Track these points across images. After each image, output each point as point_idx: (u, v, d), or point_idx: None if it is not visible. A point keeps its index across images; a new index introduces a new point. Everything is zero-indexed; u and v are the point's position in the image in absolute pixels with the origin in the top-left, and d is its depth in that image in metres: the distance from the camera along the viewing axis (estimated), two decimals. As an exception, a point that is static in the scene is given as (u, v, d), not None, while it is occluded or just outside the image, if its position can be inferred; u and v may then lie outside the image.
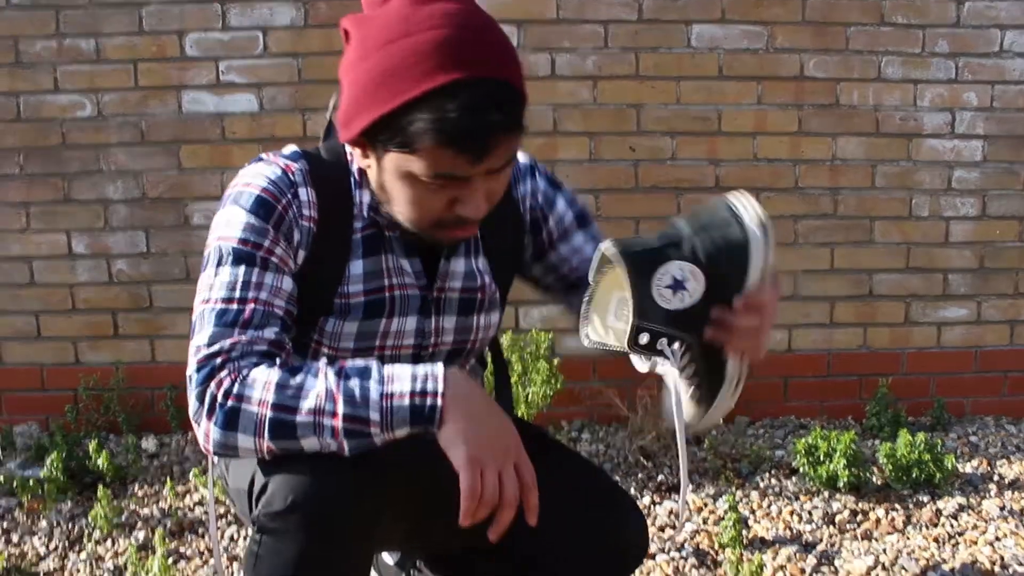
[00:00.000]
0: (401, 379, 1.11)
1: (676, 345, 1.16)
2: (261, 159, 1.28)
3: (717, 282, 1.14)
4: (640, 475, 2.62)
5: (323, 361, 1.14)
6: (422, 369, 1.13)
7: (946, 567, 2.03)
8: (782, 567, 2.04)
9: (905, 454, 2.45)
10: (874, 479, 2.49)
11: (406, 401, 1.09)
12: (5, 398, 3.05)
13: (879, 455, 2.52)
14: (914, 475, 2.45)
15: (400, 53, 1.09)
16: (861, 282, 3.07)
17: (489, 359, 1.64)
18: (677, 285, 1.14)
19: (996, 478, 2.58)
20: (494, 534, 1.12)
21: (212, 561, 2.13)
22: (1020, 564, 2.04)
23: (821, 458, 2.46)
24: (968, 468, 2.65)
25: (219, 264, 1.20)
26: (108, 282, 2.97)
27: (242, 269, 1.19)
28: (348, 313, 1.29)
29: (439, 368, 1.13)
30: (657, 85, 2.93)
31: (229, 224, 1.22)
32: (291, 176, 1.24)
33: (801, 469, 2.50)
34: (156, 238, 2.95)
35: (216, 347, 1.14)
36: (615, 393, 2.94)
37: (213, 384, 1.12)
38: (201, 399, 1.12)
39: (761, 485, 2.54)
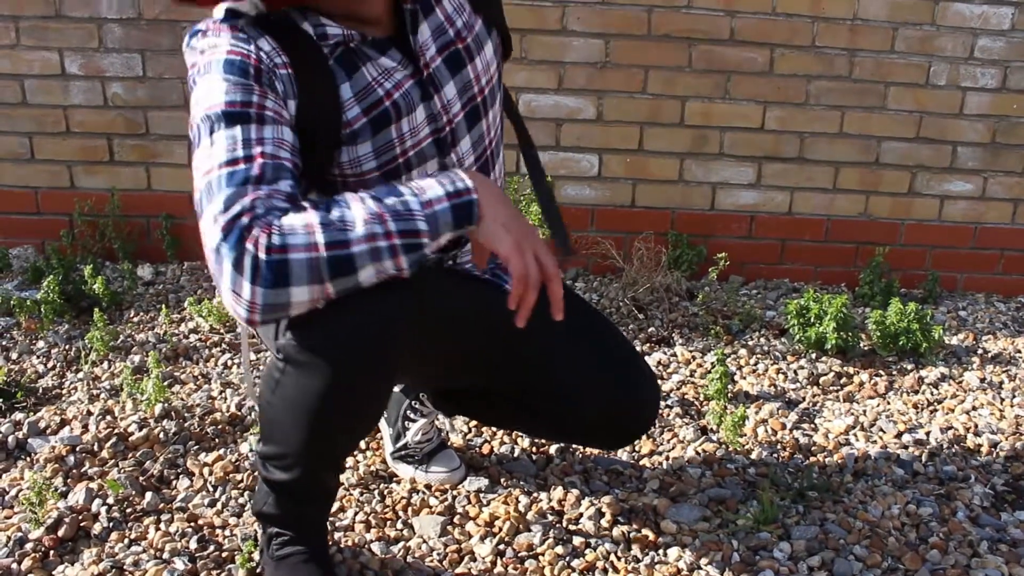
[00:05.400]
0: (431, 187, 1.11)
1: None
2: (201, 31, 1.20)
3: None
4: (631, 326, 2.65)
5: (346, 194, 1.10)
6: (444, 175, 1.13)
7: (921, 431, 2.08)
8: (764, 421, 2.09)
9: (894, 322, 2.48)
10: (861, 345, 2.52)
11: (446, 203, 1.10)
12: (0, 220, 3.03)
13: (869, 322, 2.55)
14: (901, 343, 2.48)
15: None
16: (869, 148, 3.02)
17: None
18: None
19: (980, 352, 2.61)
20: (558, 311, 1.17)
21: (242, 378, 2.17)
22: (992, 432, 2.09)
23: (811, 320, 2.49)
24: (954, 340, 2.69)
25: (212, 132, 1.12)
26: (103, 105, 2.90)
27: (238, 128, 1.12)
28: (357, 137, 1.27)
29: (457, 170, 1.15)
30: (679, -72, 2.80)
31: (210, 93, 1.14)
32: (242, 33, 1.18)
33: (791, 330, 2.53)
34: (152, 62, 2.86)
35: (236, 208, 1.06)
36: (612, 244, 2.94)
37: (249, 244, 1.03)
38: (239, 265, 1.03)
39: (750, 343, 2.58)
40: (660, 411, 2.11)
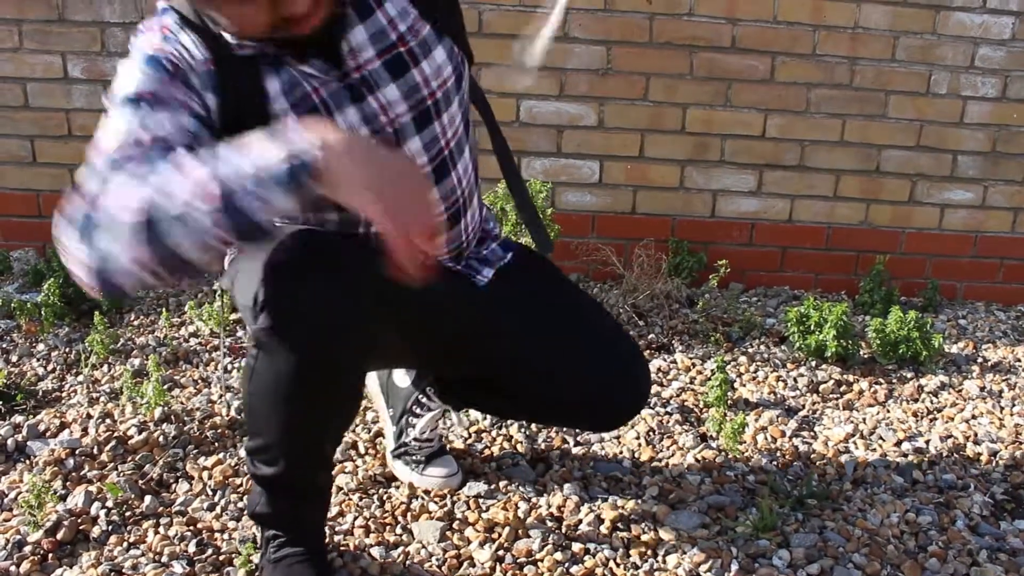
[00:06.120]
0: (270, 149, 1.03)
1: None
2: (142, 29, 1.23)
3: None
4: (631, 332, 2.64)
5: (183, 159, 1.06)
6: (294, 132, 1.05)
7: (921, 440, 2.08)
8: (763, 428, 2.09)
9: (894, 330, 2.48)
10: (861, 352, 2.52)
11: (281, 167, 1.02)
12: (1, 223, 3.03)
13: (868, 330, 2.55)
14: (901, 351, 2.48)
15: None
16: (869, 157, 3.02)
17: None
18: None
19: (980, 360, 2.61)
20: (424, 273, 1.08)
21: (217, 375, 2.17)
22: (992, 441, 2.09)
23: (811, 328, 2.49)
24: (954, 349, 2.69)
25: (109, 116, 1.14)
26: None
27: (131, 112, 1.12)
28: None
29: (313, 124, 1.06)
30: (680, -64, 2.81)
31: (121, 81, 1.17)
32: (168, 30, 1.20)
33: (791, 338, 2.53)
34: (154, 66, 2.86)
35: (85, 188, 1.07)
36: (612, 250, 2.95)
37: (76, 214, 1.05)
38: (69, 237, 1.05)
39: (750, 351, 2.58)
40: (656, 414, 2.11)
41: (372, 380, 1.89)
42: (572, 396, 1.49)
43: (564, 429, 2.02)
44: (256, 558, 1.50)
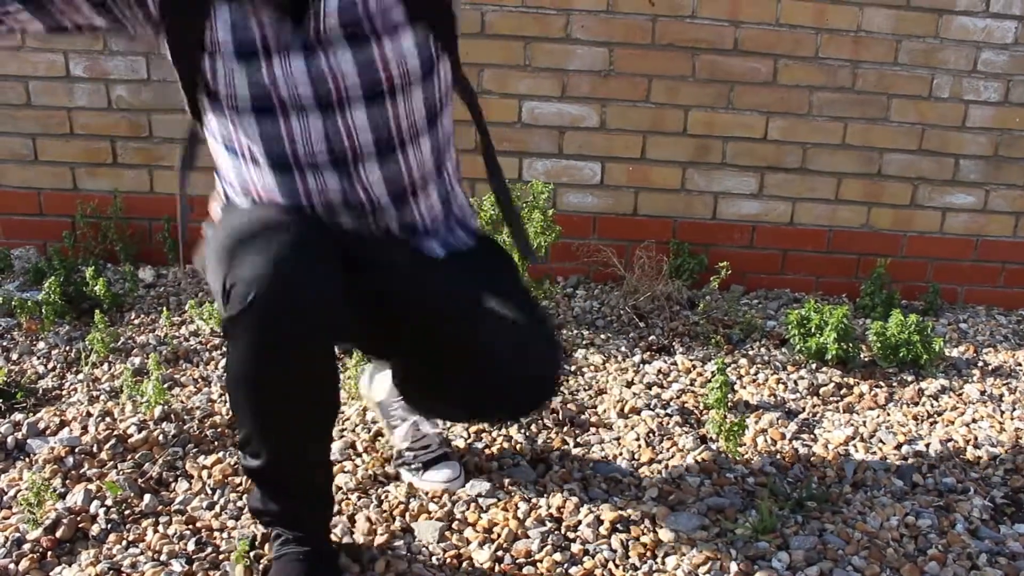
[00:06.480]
0: None
1: None
2: None
3: None
4: (632, 334, 2.65)
5: None
6: None
7: (921, 443, 2.08)
8: (763, 430, 2.09)
9: (895, 333, 2.48)
10: (862, 355, 2.52)
11: None
12: (2, 221, 3.03)
13: (869, 333, 2.55)
14: (901, 354, 2.48)
15: None
16: (871, 160, 3.02)
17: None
18: None
19: (980, 364, 2.61)
20: None
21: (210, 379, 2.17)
22: (992, 445, 2.09)
23: (812, 330, 2.49)
24: (955, 352, 2.69)
25: None
26: (107, 108, 2.90)
27: None
28: (224, 57, 1.28)
29: None
30: (683, -62, 2.81)
31: None
32: None
33: (792, 340, 2.53)
34: (157, 65, 2.86)
35: None
36: (613, 252, 2.95)
37: None
38: None
39: (750, 353, 2.57)
40: (656, 415, 2.11)
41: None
42: (488, 349, 1.41)
43: (561, 429, 2.02)
44: (254, 556, 1.50)
